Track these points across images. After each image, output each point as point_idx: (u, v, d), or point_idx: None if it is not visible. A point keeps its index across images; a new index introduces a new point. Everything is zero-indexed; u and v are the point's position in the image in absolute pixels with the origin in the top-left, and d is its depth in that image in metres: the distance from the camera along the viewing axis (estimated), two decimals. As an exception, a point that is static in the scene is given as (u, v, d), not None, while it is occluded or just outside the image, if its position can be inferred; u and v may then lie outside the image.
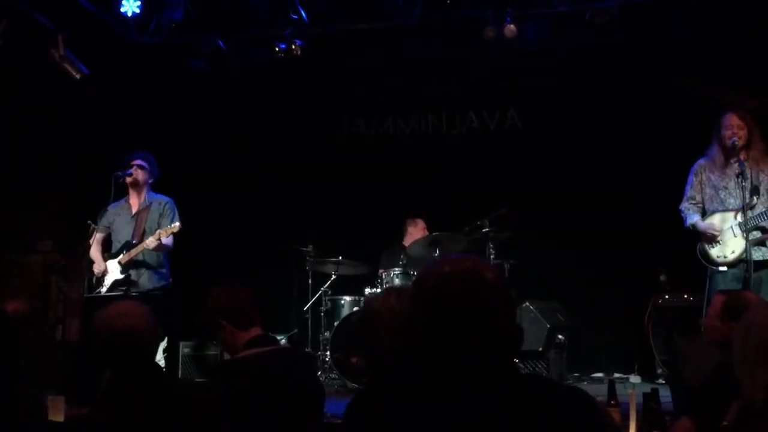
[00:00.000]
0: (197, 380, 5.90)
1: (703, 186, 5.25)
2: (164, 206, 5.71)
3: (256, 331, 2.98)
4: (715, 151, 5.22)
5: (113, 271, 5.61)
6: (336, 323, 6.34)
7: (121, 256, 5.59)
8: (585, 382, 6.60)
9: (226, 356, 3.20)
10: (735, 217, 5.06)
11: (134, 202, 5.79)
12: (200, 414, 2.45)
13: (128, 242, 5.61)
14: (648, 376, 6.51)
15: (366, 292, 6.56)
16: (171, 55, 7.55)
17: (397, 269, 6.55)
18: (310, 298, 6.84)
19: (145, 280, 5.59)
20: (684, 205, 5.31)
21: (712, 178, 5.21)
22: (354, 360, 5.96)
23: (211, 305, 3.03)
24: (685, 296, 6.38)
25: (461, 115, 8.12)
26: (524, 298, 6.63)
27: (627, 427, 2.89)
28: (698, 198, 5.26)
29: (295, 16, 7.17)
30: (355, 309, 6.51)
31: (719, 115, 5.21)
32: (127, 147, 6.05)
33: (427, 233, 7.01)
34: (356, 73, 7.83)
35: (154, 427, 2.36)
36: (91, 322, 2.58)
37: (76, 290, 7.35)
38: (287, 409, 2.79)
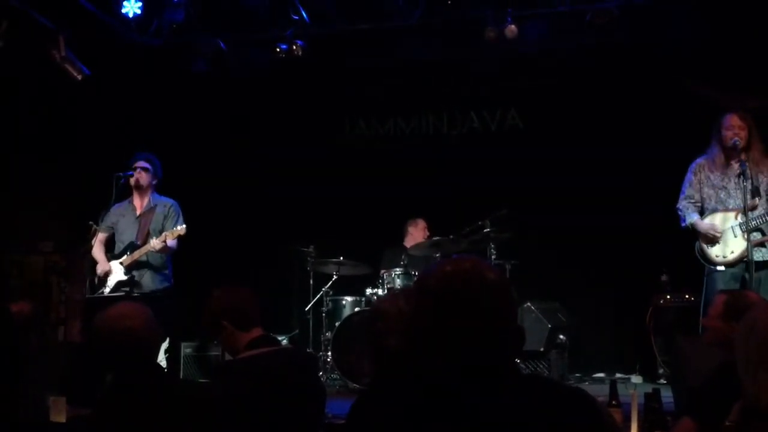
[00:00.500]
0: (199, 381, 5.90)
1: (702, 185, 5.23)
2: (169, 208, 5.71)
3: (257, 332, 2.99)
4: (715, 151, 5.20)
5: (116, 271, 5.62)
6: (337, 324, 6.34)
7: (125, 257, 5.59)
8: (586, 383, 6.60)
9: (228, 357, 3.20)
10: (735, 218, 5.06)
11: (139, 203, 5.79)
12: (202, 415, 2.45)
13: (132, 243, 5.62)
14: (649, 376, 6.51)
15: (367, 293, 6.57)
16: (172, 56, 7.55)
17: (398, 270, 6.55)
18: (311, 298, 6.84)
19: (148, 281, 5.60)
20: (681, 204, 5.29)
21: (712, 177, 5.19)
22: (358, 359, 5.97)
23: (212, 306, 3.03)
24: (686, 296, 6.38)
25: (462, 115, 8.11)
26: (525, 298, 6.63)
27: (628, 428, 2.89)
28: (696, 197, 5.24)
29: (296, 17, 7.17)
30: (356, 309, 6.51)
31: (719, 116, 5.20)
32: (128, 148, 6.06)
33: (428, 233, 7.02)
34: (357, 74, 7.83)
35: (156, 427, 2.36)
36: (92, 323, 2.58)
37: (78, 291, 7.35)
38: (288, 409, 2.79)
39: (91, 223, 5.73)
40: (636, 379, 6.57)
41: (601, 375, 6.86)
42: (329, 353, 6.32)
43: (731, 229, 5.05)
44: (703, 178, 5.23)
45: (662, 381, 6.05)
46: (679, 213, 5.30)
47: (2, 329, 2.90)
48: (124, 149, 6.00)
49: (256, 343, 2.95)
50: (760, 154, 5.09)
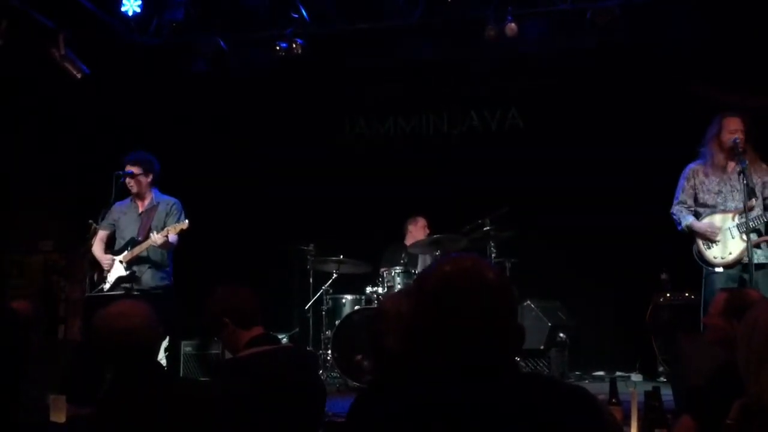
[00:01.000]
0: (199, 379, 5.91)
1: (696, 190, 5.23)
2: (171, 206, 5.72)
3: (257, 330, 2.99)
4: (711, 154, 5.18)
5: (117, 267, 5.62)
6: (337, 322, 6.34)
7: (125, 253, 5.60)
8: (586, 381, 6.60)
9: (228, 355, 3.20)
10: (733, 219, 5.06)
11: (141, 202, 5.79)
12: (201, 413, 2.45)
13: (133, 239, 5.62)
14: (649, 374, 6.51)
15: (367, 291, 6.58)
16: (172, 55, 7.55)
17: (398, 268, 6.55)
18: (311, 297, 6.84)
19: (148, 277, 5.60)
20: (675, 208, 5.29)
21: (707, 181, 5.19)
22: (358, 358, 5.97)
23: (214, 304, 3.04)
24: (687, 294, 6.38)
25: (462, 114, 8.12)
26: (525, 296, 6.64)
27: (629, 426, 2.89)
28: (689, 202, 5.25)
29: (296, 15, 7.17)
30: (356, 308, 6.52)
31: (715, 118, 5.20)
32: (127, 147, 6.04)
33: (428, 231, 7.02)
34: (357, 73, 7.83)
35: (156, 426, 2.36)
36: (92, 321, 2.58)
37: (78, 290, 7.36)
38: (288, 408, 2.79)
39: (90, 221, 5.73)
40: (636, 377, 6.58)
41: (601, 373, 6.87)
42: (329, 351, 6.33)
43: (729, 230, 5.04)
44: (697, 183, 5.23)
45: (662, 379, 6.06)
46: (674, 217, 5.30)
47: (3, 329, 2.90)
48: (124, 149, 5.99)
49: (257, 341, 2.95)
50: (754, 157, 5.09)
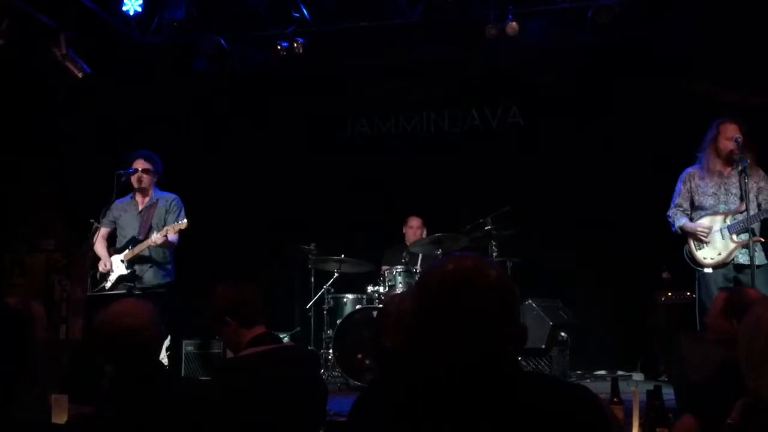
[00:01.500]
0: (200, 378, 5.91)
1: (692, 194, 5.34)
2: (171, 203, 5.73)
3: (259, 330, 2.99)
4: (708, 158, 5.27)
5: (118, 266, 5.63)
6: (339, 321, 6.34)
7: (126, 252, 5.60)
8: (588, 380, 6.60)
9: (229, 354, 3.20)
10: (724, 221, 5.16)
11: (141, 199, 5.82)
12: (203, 412, 2.45)
13: (134, 238, 5.63)
14: (651, 373, 6.51)
15: (368, 290, 6.57)
16: (173, 54, 7.56)
17: (399, 267, 6.55)
18: (312, 296, 6.84)
19: (149, 276, 5.61)
20: (671, 212, 5.43)
21: (702, 185, 5.29)
22: (360, 357, 5.97)
23: (217, 302, 3.04)
24: (688, 293, 6.37)
25: (463, 113, 8.11)
26: (527, 295, 6.62)
27: (630, 425, 2.89)
28: (685, 206, 5.37)
29: (297, 14, 7.17)
30: (357, 307, 6.51)
31: (713, 124, 5.26)
32: (129, 146, 6.06)
33: (424, 230, 7.05)
34: (358, 72, 7.83)
35: (157, 425, 2.36)
36: (93, 320, 2.58)
37: (79, 289, 7.37)
38: (290, 407, 2.79)
39: (92, 220, 5.74)
40: (637, 376, 6.58)
41: (603, 372, 6.87)
42: (330, 351, 6.33)
43: (719, 232, 5.16)
44: (693, 187, 5.34)
45: (664, 378, 6.05)
46: (669, 220, 5.44)
47: (4, 328, 2.90)
48: (125, 148, 6.00)
49: (258, 340, 2.95)
50: (752, 160, 5.13)
